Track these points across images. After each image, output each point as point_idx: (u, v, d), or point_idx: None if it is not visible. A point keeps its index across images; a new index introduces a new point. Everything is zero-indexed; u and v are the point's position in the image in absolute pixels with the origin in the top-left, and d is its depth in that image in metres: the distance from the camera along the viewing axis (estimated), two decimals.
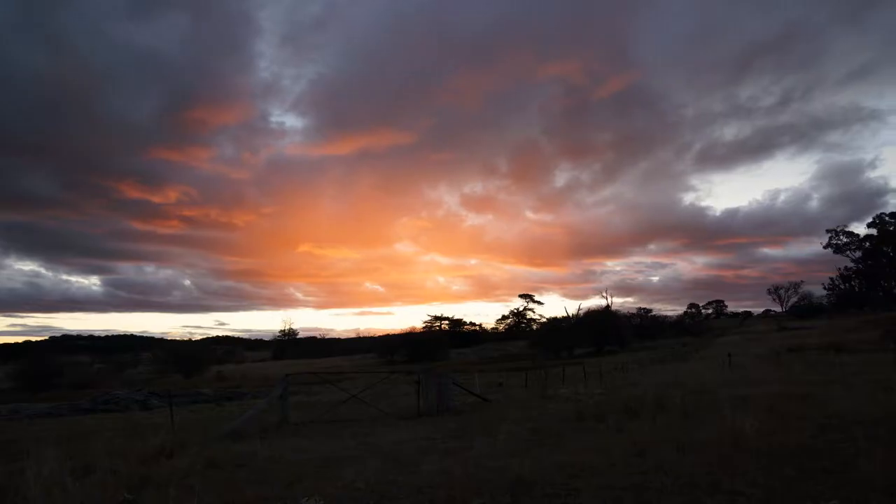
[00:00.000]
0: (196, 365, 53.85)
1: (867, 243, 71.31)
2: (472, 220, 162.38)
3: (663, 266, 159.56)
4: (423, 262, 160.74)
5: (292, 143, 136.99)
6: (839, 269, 76.35)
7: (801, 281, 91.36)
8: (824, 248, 75.48)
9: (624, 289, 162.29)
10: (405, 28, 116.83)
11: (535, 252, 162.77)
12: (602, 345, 58.95)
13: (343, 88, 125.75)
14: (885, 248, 68.76)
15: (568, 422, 7.93)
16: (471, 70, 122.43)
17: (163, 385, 38.57)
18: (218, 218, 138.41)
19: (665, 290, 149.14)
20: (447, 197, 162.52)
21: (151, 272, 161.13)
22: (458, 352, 70.53)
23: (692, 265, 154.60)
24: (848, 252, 73.36)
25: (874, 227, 70.84)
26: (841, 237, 73.96)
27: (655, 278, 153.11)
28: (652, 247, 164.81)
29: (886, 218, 69.95)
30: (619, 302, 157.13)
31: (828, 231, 75.89)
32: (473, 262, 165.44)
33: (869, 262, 71.06)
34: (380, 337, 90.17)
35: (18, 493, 4.56)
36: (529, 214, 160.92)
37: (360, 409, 12.15)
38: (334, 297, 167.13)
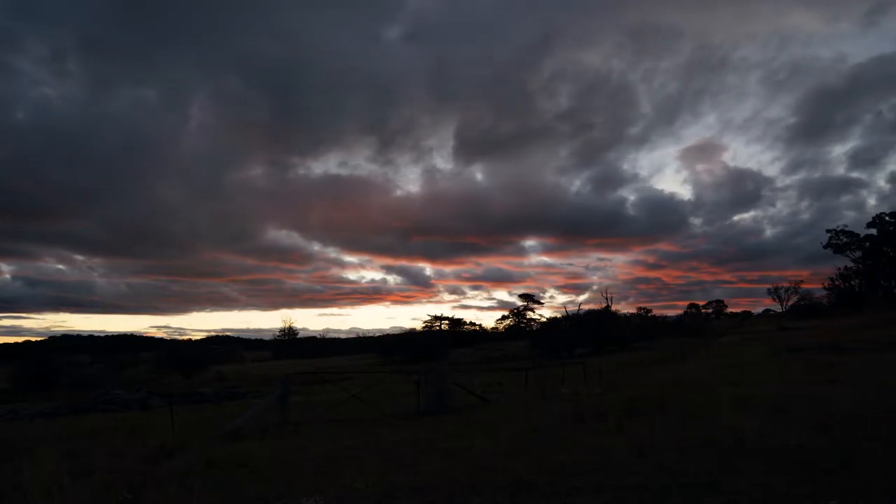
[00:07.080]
0: (196, 365, 53.89)
1: (867, 243, 71.30)
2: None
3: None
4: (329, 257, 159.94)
5: None
6: (839, 268, 76.33)
7: (801, 280, 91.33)
8: (824, 247, 75.46)
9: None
10: None
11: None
12: (602, 345, 58.97)
13: None
14: (885, 248, 68.78)
15: (568, 422, 7.91)
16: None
17: (162, 385, 38.57)
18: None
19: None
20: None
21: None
22: (458, 352, 70.48)
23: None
24: (848, 252, 73.34)
25: (874, 226, 70.85)
26: (841, 237, 73.91)
27: (595, 277, 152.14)
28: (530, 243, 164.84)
29: (886, 218, 69.95)
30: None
31: (828, 231, 75.85)
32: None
33: (869, 261, 71.06)
34: (379, 337, 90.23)
35: (18, 493, 4.56)
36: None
37: (360, 408, 12.15)
38: (271, 297, 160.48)
